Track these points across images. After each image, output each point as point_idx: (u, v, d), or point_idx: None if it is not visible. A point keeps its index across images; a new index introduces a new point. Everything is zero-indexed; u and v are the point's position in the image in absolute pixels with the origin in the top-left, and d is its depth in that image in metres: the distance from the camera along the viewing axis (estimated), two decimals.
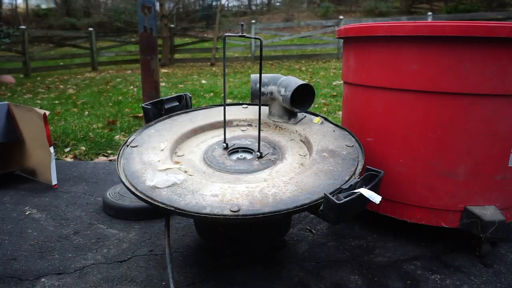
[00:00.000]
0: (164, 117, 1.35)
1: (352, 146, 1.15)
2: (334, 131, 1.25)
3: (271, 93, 1.30)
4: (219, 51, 8.54)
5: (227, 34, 1.17)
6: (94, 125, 3.07)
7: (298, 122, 1.32)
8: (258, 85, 1.29)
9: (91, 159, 2.33)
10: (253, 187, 0.95)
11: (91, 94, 4.81)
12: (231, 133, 1.30)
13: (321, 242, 1.30)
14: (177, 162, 1.12)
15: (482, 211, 1.13)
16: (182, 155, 1.18)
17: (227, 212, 0.86)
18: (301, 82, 1.24)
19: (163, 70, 7.59)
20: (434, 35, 1.05)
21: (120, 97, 4.41)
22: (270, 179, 1.02)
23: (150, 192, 0.94)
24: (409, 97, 1.15)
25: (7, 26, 7.92)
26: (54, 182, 1.76)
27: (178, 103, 1.42)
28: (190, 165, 1.12)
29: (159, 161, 1.07)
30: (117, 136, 2.74)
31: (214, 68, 7.79)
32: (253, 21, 9.16)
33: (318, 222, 1.43)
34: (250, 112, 1.43)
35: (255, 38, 1.10)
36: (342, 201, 0.84)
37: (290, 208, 0.88)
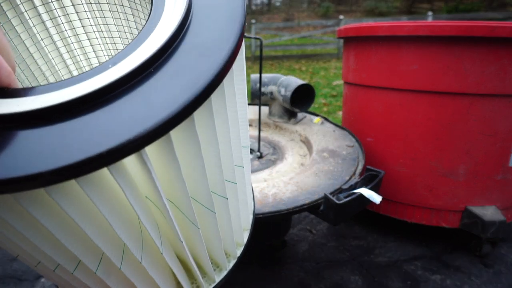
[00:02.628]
0: None
1: (352, 146, 1.15)
2: (334, 131, 1.25)
3: (271, 93, 1.29)
4: None
5: None
6: None
7: (298, 122, 1.32)
8: (258, 85, 1.29)
9: None
10: (253, 187, 0.95)
11: None
12: None
13: (321, 242, 1.30)
14: None
15: (483, 211, 1.13)
16: None
17: None
18: (301, 82, 1.23)
19: None
20: (434, 35, 1.05)
21: None
22: (270, 179, 1.02)
23: None
24: (409, 97, 1.15)
25: None
26: None
27: None
28: None
29: None
30: None
31: None
32: (253, 21, 9.16)
33: (318, 222, 1.43)
34: (250, 112, 1.43)
35: (255, 38, 1.10)
36: (342, 201, 0.84)
37: (290, 208, 0.88)
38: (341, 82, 4.57)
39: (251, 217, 0.48)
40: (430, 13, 7.46)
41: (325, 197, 0.86)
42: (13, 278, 1.10)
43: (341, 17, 7.57)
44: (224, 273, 0.41)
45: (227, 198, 0.35)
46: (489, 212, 1.13)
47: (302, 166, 1.09)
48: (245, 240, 0.46)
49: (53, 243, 0.26)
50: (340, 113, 3.21)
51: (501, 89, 1.06)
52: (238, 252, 0.44)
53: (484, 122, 1.09)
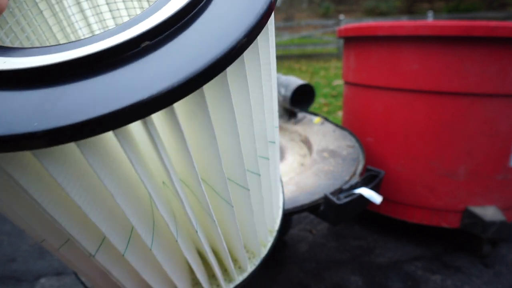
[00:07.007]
0: None
1: (353, 146, 1.14)
2: (334, 131, 1.24)
3: None
4: None
5: None
6: None
7: (298, 122, 1.31)
8: None
9: None
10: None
11: None
12: None
13: (321, 242, 1.29)
14: None
15: (483, 211, 1.13)
16: None
17: None
18: (301, 82, 1.23)
19: None
20: (434, 35, 1.05)
21: None
22: None
23: None
24: (410, 97, 1.14)
25: None
26: None
27: None
28: None
29: None
30: None
31: None
32: None
33: (318, 222, 1.43)
34: None
35: None
36: (342, 201, 0.83)
37: (290, 208, 0.87)
38: (341, 82, 4.57)
39: (279, 217, 0.45)
40: (430, 13, 7.45)
41: (325, 197, 0.85)
42: (12, 279, 1.10)
43: (341, 16, 7.57)
44: (245, 275, 0.39)
45: (260, 175, 0.32)
46: (490, 212, 1.13)
47: (302, 166, 1.09)
48: (272, 236, 0.43)
49: (43, 217, 0.23)
50: (340, 113, 3.20)
51: (501, 89, 1.06)
52: (263, 252, 0.41)
53: (485, 122, 1.09)
